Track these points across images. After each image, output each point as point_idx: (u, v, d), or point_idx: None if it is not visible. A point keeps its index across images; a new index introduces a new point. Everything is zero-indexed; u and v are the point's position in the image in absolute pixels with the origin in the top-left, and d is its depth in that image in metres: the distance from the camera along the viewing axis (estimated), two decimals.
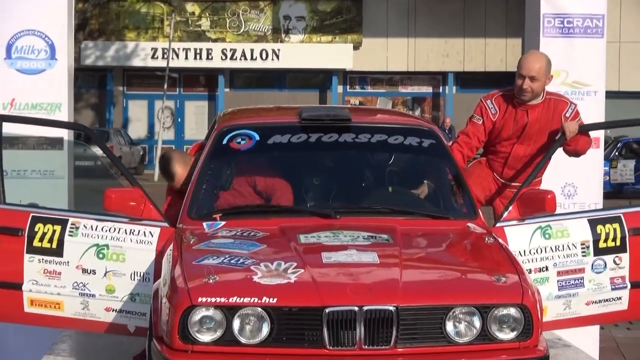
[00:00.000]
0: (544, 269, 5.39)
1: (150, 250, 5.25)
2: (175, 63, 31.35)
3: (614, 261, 5.47)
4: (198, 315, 4.27)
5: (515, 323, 4.38)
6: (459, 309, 4.34)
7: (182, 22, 32.50)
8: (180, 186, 5.72)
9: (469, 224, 5.28)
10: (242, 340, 4.27)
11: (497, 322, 4.37)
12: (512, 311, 4.38)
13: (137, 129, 33.51)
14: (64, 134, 6.97)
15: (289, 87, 33.48)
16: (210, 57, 32.47)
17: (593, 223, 5.47)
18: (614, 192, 21.88)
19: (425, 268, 4.84)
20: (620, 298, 5.52)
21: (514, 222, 5.43)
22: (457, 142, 6.28)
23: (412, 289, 4.39)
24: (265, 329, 4.26)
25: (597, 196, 7.30)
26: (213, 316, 4.27)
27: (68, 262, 5.26)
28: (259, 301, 4.26)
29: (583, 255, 5.42)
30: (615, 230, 5.45)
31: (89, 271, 5.26)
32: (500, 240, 5.06)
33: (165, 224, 5.29)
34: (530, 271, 5.24)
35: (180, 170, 5.77)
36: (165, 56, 30.84)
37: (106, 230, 5.27)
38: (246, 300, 4.27)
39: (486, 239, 5.04)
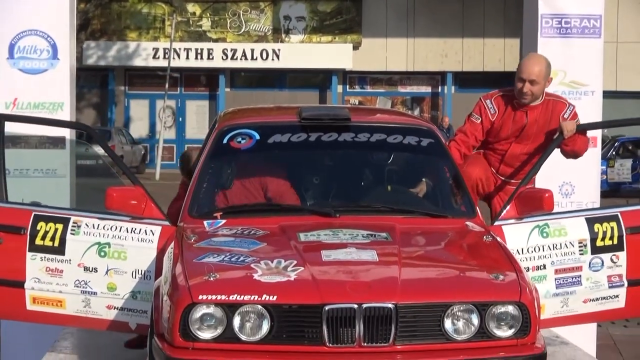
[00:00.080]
0: (542, 267, 5.40)
1: (152, 249, 5.25)
2: (176, 63, 31.35)
3: (611, 259, 5.47)
4: (199, 312, 4.28)
5: (513, 320, 4.38)
6: (458, 307, 4.34)
7: (183, 22, 32.50)
8: None
9: (467, 223, 5.28)
10: (243, 337, 4.27)
11: (495, 319, 4.37)
12: (510, 309, 4.38)
13: (138, 128, 33.51)
14: (66, 133, 6.97)
15: (289, 86, 33.48)
16: (211, 57, 32.46)
17: (590, 222, 5.47)
18: (611, 191, 21.89)
19: (424, 266, 4.84)
20: (617, 296, 5.52)
21: (512, 221, 5.43)
22: (454, 140, 6.28)
23: (410, 287, 4.40)
24: (266, 327, 4.26)
25: (595, 195, 7.31)
26: (214, 313, 4.28)
27: (70, 260, 5.27)
28: (259, 299, 4.26)
29: (580, 254, 5.43)
30: (612, 228, 5.46)
31: (90, 269, 5.27)
32: (498, 239, 5.07)
33: (166, 223, 5.30)
34: (528, 269, 5.24)
35: None
36: (167, 56, 30.83)
37: (108, 229, 5.27)
38: (246, 297, 4.27)
39: (484, 237, 5.04)
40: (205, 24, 32.89)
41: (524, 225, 5.42)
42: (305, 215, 5.26)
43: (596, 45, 7.28)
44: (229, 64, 32.56)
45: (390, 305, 4.26)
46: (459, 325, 4.35)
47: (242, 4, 32.75)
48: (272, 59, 32.43)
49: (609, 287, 5.50)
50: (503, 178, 6.38)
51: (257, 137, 5.60)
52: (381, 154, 5.85)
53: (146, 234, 5.27)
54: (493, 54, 32.37)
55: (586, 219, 5.48)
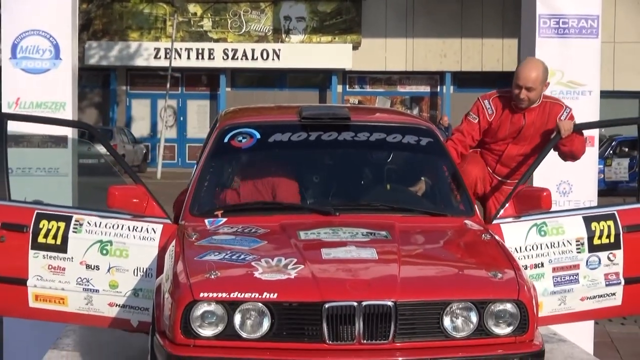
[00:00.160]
0: (540, 265, 5.40)
1: (153, 247, 5.25)
2: (177, 63, 31.35)
3: (608, 258, 5.47)
4: (200, 310, 4.27)
5: (511, 318, 4.38)
6: (456, 305, 4.34)
7: (185, 23, 32.50)
8: None
9: (466, 221, 5.28)
10: (243, 334, 4.27)
11: (494, 317, 4.37)
12: (509, 306, 4.38)
13: (140, 128, 33.52)
14: (69, 132, 6.96)
15: (289, 86, 33.48)
16: (212, 57, 32.46)
17: (588, 220, 5.47)
18: (608, 190, 21.88)
19: (423, 264, 4.83)
20: (614, 294, 5.53)
21: (511, 219, 5.43)
22: (451, 140, 6.28)
23: (410, 285, 4.39)
24: (266, 324, 4.26)
25: (592, 194, 7.30)
26: (214, 311, 4.27)
27: (72, 258, 5.27)
28: (260, 296, 4.26)
29: (578, 252, 5.43)
30: (609, 227, 5.46)
31: (92, 267, 5.26)
32: (496, 237, 5.07)
33: (168, 221, 5.30)
34: (526, 267, 5.24)
35: None
36: (168, 56, 30.83)
37: (110, 227, 5.27)
38: (247, 295, 4.27)
39: (483, 235, 5.04)
40: (206, 24, 32.90)
41: (522, 223, 5.42)
42: (305, 213, 5.26)
43: (594, 45, 7.28)
44: (230, 63, 32.57)
45: (389, 303, 4.26)
46: (457, 322, 4.35)
47: (243, 5, 32.75)
48: (273, 59, 32.44)
49: (606, 285, 5.50)
50: (499, 178, 6.38)
51: (258, 136, 5.60)
52: (381, 153, 5.84)
53: (148, 232, 5.27)
54: (491, 54, 32.37)
55: (583, 217, 5.48)
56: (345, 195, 5.57)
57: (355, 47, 32.50)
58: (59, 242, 5.26)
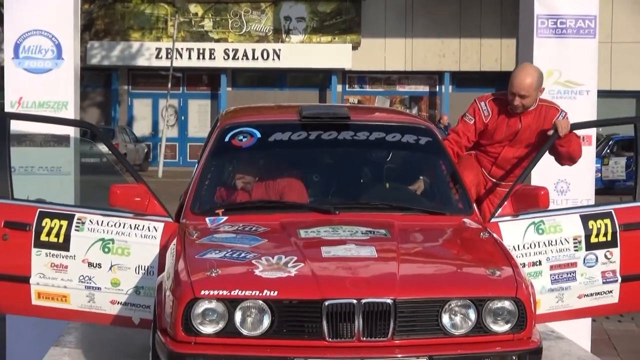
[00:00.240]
0: (538, 263, 5.40)
1: (155, 245, 5.25)
2: (178, 63, 31.34)
3: (605, 256, 5.48)
4: (201, 307, 4.28)
5: (509, 316, 4.38)
6: (455, 302, 4.34)
7: (186, 23, 32.49)
8: None
9: (464, 220, 5.28)
10: (244, 332, 4.27)
11: (492, 314, 4.37)
12: (507, 304, 4.38)
13: (141, 127, 33.51)
14: (71, 131, 6.97)
15: (289, 86, 33.48)
16: (212, 56, 32.45)
17: (585, 219, 5.47)
18: (605, 189, 21.88)
19: (422, 262, 4.84)
20: (611, 291, 5.53)
21: (509, 218, 5.44)
22: (447, 140, 6.28)
23: (409, 283, 4.40)
24: (266, 321, 4.26)
25: (589, 192, 7.31)
26: (215, 308, 4.28)
27: (74, 256, 5.27)
28: (260, 294, 4.26)
29: (575, 250, 5.43)
30: (606, 225, 5.46)
31: (94, 265, 5.26)
32: (494, 235, 5.07)
33: (169, 219, 5.30)
34: (524, 265, 5.24)
35: None
36: (169, 56, 30.83)
37: (111, 225, 5.27)
38: (248, 293, 4.27)
39: (481, 234, 5.04)
40: (207, 24, 32.88)
41: (520, 222, 5.42)
42: (305, 212, 5.26)
43: (591, 45, 7.28)
44: (231, 63, 32.55)
45: (389, 301, 4.26)
46: (456, 320, 4.35)
47: (244, 5, 32.74)
48: (273, 59, 32.43)
49: (603, 283, 5.50)
50: (494, 180, 6.39)
51: (258, 135, 5.60)
52: (380, 152, 5.85)
53: (149, 231, 5.27)
54: (490, 54, 32.36)
55: (581, 216, 5.49)
56: (345, 194, 5.57)
57: (354, 47, 32.49)
58: (61, 240, 5.26)
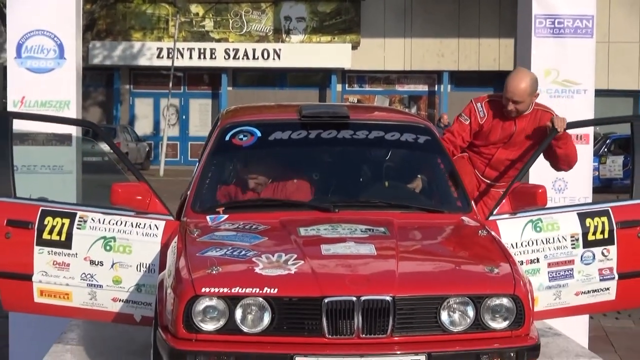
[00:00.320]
0: (535, 261, 5.40)
1: (156, 243, 5.25)
2: (179, 62, 31.34)
3: (602, 253, 5.47)
4: (202, 305, 4.28)
5: (507, 313, 4.38)
6: (454, 299, 4.34)
7: (187, 23, 32.49)
8: None
9: (463, 218, 5.28)
10: (244, 329, 4.27)
11: (490, 311, 4.37)
12: (505, 301, 4.38)
13: (143, 126, 33.52)
14: (73, 130, 6.96)
15: (289, 85, 33.48)
16: (213, 56, 32.45)
17: (582, 216, 5.47)
18: (603, 187, 21.90)
19: (420, 260, 4.84)
20: (608, 289, 5.53)
21: (507, 216, 5.43)
22: (442, 139, 6.28)
23: (408, 280, 4.40)
24: (267, 318, 4.26)
25: (587, 191, 7.31)
26: (216, 306, 4.28)
27: (76, 254, 5.26)
28: (261, 291, 4.26)
29: (573, 248, 5.43)
30: (603, 223, 5.45)
31: (96, 263, 5.26)
32: (493, 233, 5.07)
33: (170, 217, 5.30)
34: (522, 263, 5.24)
35: None
36: (170, 56, 30.83)
37: (113, 224, 5.27)
38: (248, 290, 4.27)
39: (480, 231, 5.04)
40: (208, 24, 32.88)
41: (518, 220, 5.42)
42: (305, 210, 5.26)
43: (588, 44, 7.27)
44: (231, 63, 32.56)
45: (388, 298, 4.26)
46: (454, 317, 4.35)
47: (244, 5, 32.74)
48: (273, 59, 32.43)
49: (600, 280, 5.50)
50: (488, 181, 6.39)
51: (259, 134, 5.60)
52: (379, 150, 5.85)
53: (150, 229, 5.27)
54: (488, 53, 32.37)
55: (578, 214, 5.48)
56: (345, 192, 5.57)
57: (354, 47, 32.50)
58: (63, 238, 5.26)
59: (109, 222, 5.27)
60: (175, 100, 32.96)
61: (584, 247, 5.44)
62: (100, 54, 32.25)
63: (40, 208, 5.30)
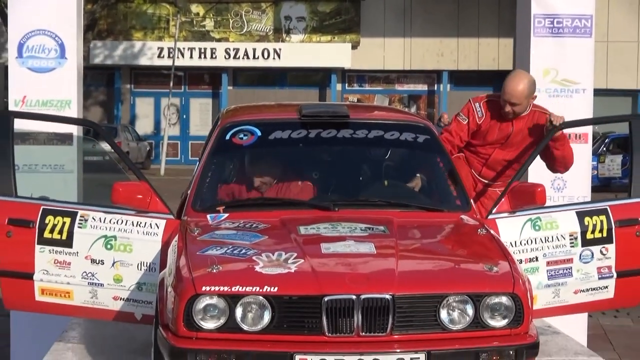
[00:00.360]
0: (534, 259, 5.40)
1: (156, 241, 5.25)
2: (180, 62, 31.34)
3: (601, 252, 5.47)
4: (202, 303, 4.28)
5: (506, 311, 4.38)
6: (453, 298, 4.34)
7: (187, 23, 32.48)
8: None
9: (462, 216, 5.28)
10: (245, 327, 4.28)
11: (489, 310, 4.37)
12: (504, 299, 4.38)
13: (144, 126, 33.51)
14: (74, 130, 6.96)
15: (289, 85, 33.47)
16: (214, 56, 32.45)
17: (581, 215, 5.47)
18: (601, 186, 21.89)
19: (420, 258, 4.84)
20: (606, 287, 5.52)
21: (506, 215, 5.43)
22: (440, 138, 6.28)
23: (407, 278, 4.40)
24: (267, 317, 4.26)
25: (586, 190, 7.30)
26: (216, 304, 4.28)
27: (77, 252, 5.26)
28: (261, 290, 4.26)
29: (571, 246, 5.43)
30: (602, 222, 5.45)
31: (97, 261, 5.26)
32: (492, 232, 5.06)
33: (171, 216, 5.30)
34: (521, 261, 5.24)
35: None
36: (171, 55, 30.83)
37: (114, 222, 5.27)
38: (248, 289, 4.27)
39: (479, 230, 5.04)
40: (209, 24, 32.88)
41: (517, 218, 5.42)
42: (305, 209, 5.26)
43: (587, 44, 7.27)
44: (232, 63, 32.55)
45: (387, 296, 4.26)
46: (454, 315, 4.35)
47: (244, 5, 32.73)
48: (273, 58, 32.42)
49: (599, 279, 5.50)
50: (485, 181, 6.39)
51: (259, 133, 5.60)
52: (379, 149, 5.85)
53: (151, 228, 5.27)
54: (487, 53, 32.36)
55: (577, 212, 5.48)
56: (344, 191, 5.57)
57: (354, 47, 32.49)
58: (64, 237, 5.25)
59: (110, 221, 5.27)
60: (176, 100, 32.95)
61: (582, 245, 5.44)
62: (101, 54, 32.24)
63: (42, 207, 5.30)
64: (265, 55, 32.36)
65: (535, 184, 5.56)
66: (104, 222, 5.27)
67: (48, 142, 6.96)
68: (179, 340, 4.30)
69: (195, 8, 32.55)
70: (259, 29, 32.83)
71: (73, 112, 6.97)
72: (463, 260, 4.78)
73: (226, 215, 5.16)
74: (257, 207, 5.33)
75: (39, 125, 6.49)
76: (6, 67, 7.19)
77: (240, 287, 4.28)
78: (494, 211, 5.44)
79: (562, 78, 7.25)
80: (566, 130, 6.66)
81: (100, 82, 33.25)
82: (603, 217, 5.46)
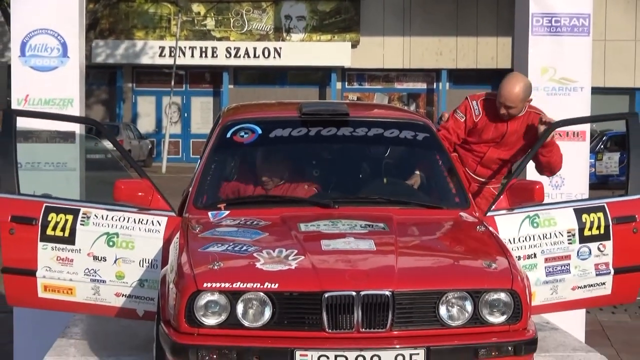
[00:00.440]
0: (533, 256, 5.40)
1: (158, 238, 5.25)
2: (181, 61, 31.34)
3: (598, 248, 5.48)
4: (203, 299, 4.28)
5: (505, 307, 4.38)
6: (452, 294, 4.34)
7: (188, 22, 32.47)
8: None
9: (461, 213, 5.28)
10: (246, 323, 4.28)
11: (488, 306, 4.37)
12: (503, 296, 4.38)
13: (145, 124, 33.51)
14: (76, 128, 6.96)
15: (290, 83, 33.47)
16: (215, 55, 32.44)
17: (579, 212, 5.47)
18: (599, 184, 21.90)
19: (419, 255, 4.84)
20: (604, 283, 5.53)
21: (504, 212, 5.43)
22: None
23: (407, 275, 4.40)
24: (268, 313, 4.27)
25: (583, 187, 7.30)
26: (218, 301, 4.28)
27: (80, 249, 5.26)
28: (262, 286, 4.26)
29: (569, 243, 5.43)
30: (599, 219, 5.46)
31: (99, 258, 5.26)
32: (491, 229, 5.07)
33: (172, 214, 5.30)
34: (519, 258, 5.24)
35: None
36: (172, 54, 30.82)
37: (116, 220, 5.27)
38: (249, 285, 4.27)
39: (478, 227, 5.04)
40: (210, 23, 32.87)
41: (515, 215, 5.42)
42: (305, 206, 5.26)
43: (585, 43, 7.27)
44: (232, 61, 32.55)
45: (387, 293, 4.26)
46: (453, 311, 4.35)
47: (245, 4, 32.73)
48: (274, 57, 32.42)
49: (596, 275, 5.50)
50: (480, 179, 6.38)
51: (260, 131, 5.60)
52: (378, 147, 5.85)
53: (153, 225, 5.27)
54: (486, 51, 32.35)
55: (574, 209, 5.48)
56: (344, 189, 5.57)
57: (353, 45, 32.48)
58: (67, 234, 5.26)
59: (112, 218, 5.27)
60: (177, 98, 32.95)
61: (580, 242, 5.45)
62: (103, 53, 32.24)
63: (44, 204, 5.30)
64: (266, 54, 32.36)
65: (534, 181, 5.56)
66: (106, 219, 5.27)
67: (51, 140, 6.96)
68: (181, 336, 4.30)
69: (196, 7, 32.55)
70: (260, 28, 32.83)
71: (75, 110, 6.97)
72: (462, 257, 4.78)
73: (227, 212, 5.16)
74: (258, 205, 5.33)
75: (41, 124, 6.48)
76: (9, 66, 7.18)
77: (241, 284, 4.28)
78: (492, 208, 5.44)
79: (560, 76, 7.25)
80: (564, 128, 6.68)
81: (103, 80, 33.24)
82: (600, 214, 5.46)
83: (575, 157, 7.06)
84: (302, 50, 32.31)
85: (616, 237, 5.48)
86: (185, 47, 31.87)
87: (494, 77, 28.76)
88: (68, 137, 6.96)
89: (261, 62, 32.47)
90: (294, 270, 4.36)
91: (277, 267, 4.37)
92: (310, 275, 4.32)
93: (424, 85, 33.99)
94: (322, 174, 5.67)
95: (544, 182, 5.87)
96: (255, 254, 4.50)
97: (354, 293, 4.25)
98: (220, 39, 32.70)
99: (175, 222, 5.23)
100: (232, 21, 32.82)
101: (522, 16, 7.34)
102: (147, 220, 5.27)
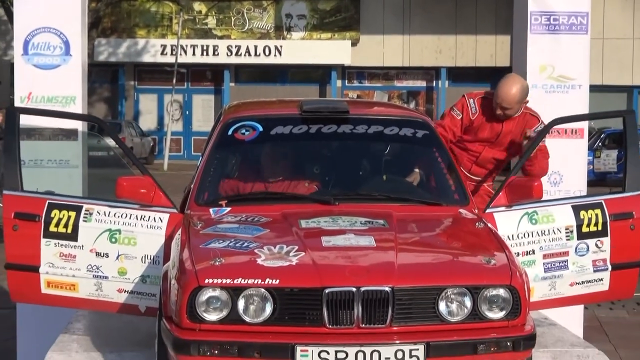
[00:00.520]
0: (531, 252, 5.40)
1: (160, 235, 5.25)
2: (183, 59, 31.34)
3: (596, 245, 5.47)
4: (205, 295, 4.28)
5: (504, 303, 4.38)
6: (451, 290, 4.34)
7: (190, 20, 32.47)
8: None
9: (460, 210, 5.28)
10: (247, 319, 4.28)
11: (487, 302, 4.37)
12: (501, 292, 4.38)
13: (147, 121, 33.52)
14: (79, 125, 6.95)
15: (290, 81, 33.48)
16: (216, 53, 32.45)
17: (576, 209, 5.47)
18: (597, 181, 21.88)
19: (419, 251, 4.84)
20: (601, 279, 5.53)
21: (503, 208, 5.43)
22: None
23: (407, 271, 4.40)
24: (269, 309, 4.27)
25: (582, 184, 7.30)
26: (219, 296, 4.28)
27: (82, 246, 5.26)
28: (263, 282, 4.26)
29: (567, 239, 5.43)
30: (597, 215, 5.45)
31: (102, 254, 5.26)
32: (489, 225, 5.07)
33: (174, 210, 5.30)
34: (518, 254, 5.23)
35: None
36: (174, 52, 30.83)
37: (118, 216, 5.27)
38: (250, 281, 4.27)
39: (477, 224, 5.04)
40: (211, 21, 32.88)
41: (514, 212, 5.42)
42: (306, 203, 5.26)
43: (583, 41, 7.26)
44: (234, 59, 32.56)
45: (387, 289, 4.26)
46: (452, 307, 4.35)
47: (246, 3, 32.73)
48: (275, 55, 32.43)
49: (594, 271, 5.50)
50: (475, 178, 6.38)
51: (261, 129, 5.60)
52: (378, 144, 5.84)
53: (155, 221, 5.27)
54: (485, 50, 32.36)
55: (572, 206, 5.48)
56: (345, 186, 5.57)
57: (354, 44, 32.49)
58: (69, 230, 5.25)
59: (115, 215, 5.27)
60: (179, 96, 32.95)
61: (578, 238, 5.44)
62: (105, 51, 32.24)
63: (47, 201, 5.30)
64: (267, 52, 32.36)
65: (532, 178, 5.56)
66: (109, 215, 5.27)
67: (53, 137, 6.96)
68: (183, 332, 4.31)
69: (197, 6, 32.56)
70: (261, 26, 32.83)
71: (78, 108, 6.97)
72: (461, 253, 4.78)
73: (228, 209, 5.16)
74: (259, 201, 5.33)
75: (44, 121, 6.48)
76: (12, 65, 7.17)
77: (243, 280, 4.28)
78: (491, 205, 5.44)
79: (559, 74, 7.24)
80: (563, 125, 6.68)
81: (105, 78, 33.25)
82: (598, 211, 5.46)
83: (574, 155, 7.07)
84: (303, 49, 32.31)
85: (614, 233, 5.47)
86: (186, 46, 31.88)
87: (492, 75, 28.78)
88: (71, 134, 6.96)
89: (262, 60, 32.47)
90: (295, 266, 4.36)
91: (278, 263, 4.37)
92: (310, 271, 4.32)
93: (423, 83, 34.00)
94: (323, 171, 5.67)
95: (543, 179, 5.87)
96: (256, 250, 4.50)
97: (354, 289, 4.25)
98: (221, 38, 32.71)
99: (177, 218, 5.23)
100: (233, 20, 32.82)
101: (521, 14, 7.34)
102: (149, 217, 5.27)
